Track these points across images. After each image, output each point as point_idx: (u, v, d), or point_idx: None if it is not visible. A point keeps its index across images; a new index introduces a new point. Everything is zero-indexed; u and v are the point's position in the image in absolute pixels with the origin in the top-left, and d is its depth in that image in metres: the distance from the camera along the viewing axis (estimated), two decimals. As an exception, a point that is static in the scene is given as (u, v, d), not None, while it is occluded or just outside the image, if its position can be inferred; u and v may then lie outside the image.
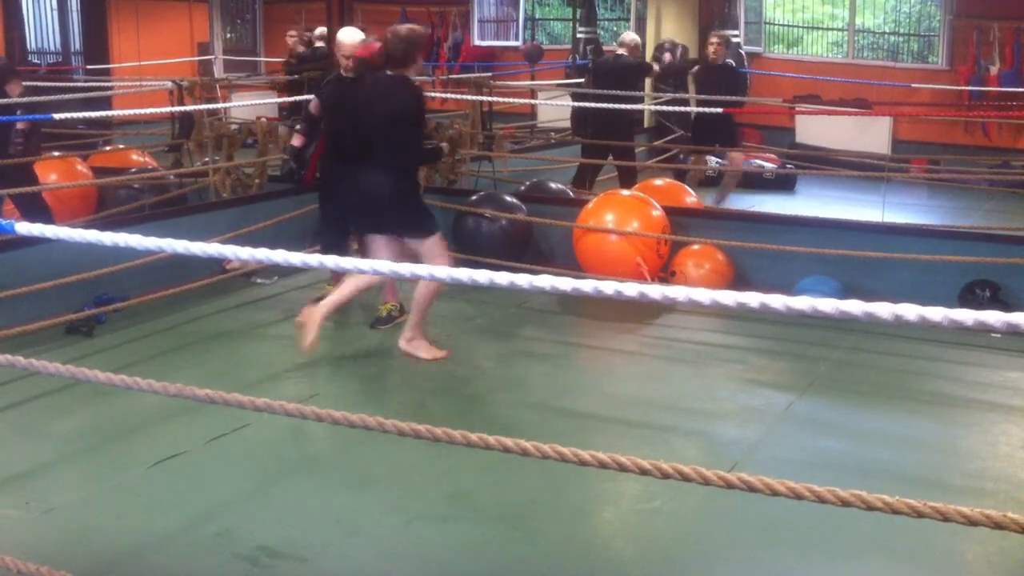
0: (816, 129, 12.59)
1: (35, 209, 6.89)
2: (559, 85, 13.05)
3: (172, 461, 4.17)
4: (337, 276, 6.35)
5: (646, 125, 13.20)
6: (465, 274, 2.30)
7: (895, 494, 2.07)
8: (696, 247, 7.06)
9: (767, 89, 13.87)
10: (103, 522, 3.67)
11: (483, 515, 3.79)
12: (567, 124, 12.14)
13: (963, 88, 12.53)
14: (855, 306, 1.94)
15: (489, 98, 9.16)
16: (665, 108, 11.46)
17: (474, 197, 7.53)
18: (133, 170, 8.82)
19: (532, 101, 13.08)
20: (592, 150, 9.59)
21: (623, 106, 8.85)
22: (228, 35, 16.69)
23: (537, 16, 18.06)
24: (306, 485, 4.01)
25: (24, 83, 7.42)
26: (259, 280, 6.93)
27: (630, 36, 9.76)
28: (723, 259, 6.98)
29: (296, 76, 11.14)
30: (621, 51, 9.55)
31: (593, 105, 9.25)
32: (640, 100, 9.22)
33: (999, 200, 10.11)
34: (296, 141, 6.23)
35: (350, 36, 6.08)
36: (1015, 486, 4.12)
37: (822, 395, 5.15)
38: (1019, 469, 4.28)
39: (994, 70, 12.78)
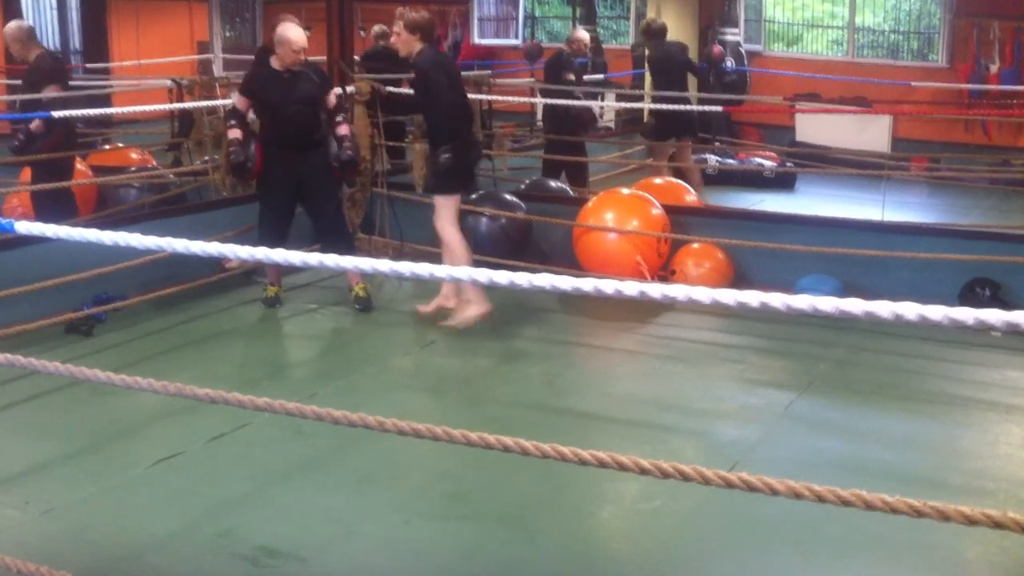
0: (816, 127, 12.57)
1: (58, 205, 6.90)
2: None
3: (172, 461, 4.17)
4: (276, 272, 6.48)
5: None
6: (465, 273, 2.30)
7: (895, 494, 2.07)
8: (696, 246, 7.05)
9: (767, 87, 13.86)
10: (103, 522, 3.67)
11: (483, 515, 3.79)
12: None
13: (963, 86, 12.52)
14: (855, 305, 1.94)
15: (489, 96, 9.16)
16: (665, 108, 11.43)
17: (474, 196, 7.52)
18: (133, 169, 8.81)
19: (532, 100, 13.06)
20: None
21: (549, 100, 9.33)
22: (228, 34, 16.68)
23: (537, 14, 18.05)
24: (306, 485, 4.01)
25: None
26: (259, 280, 6.92)
27: (574, 32, 9.92)
28: (723, 258, 6.97)
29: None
30: (565, 47, 9.72)
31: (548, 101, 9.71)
32: (568, 95, 9.36)
33: (999, 198, 10.10)
34: (235, 134, 6.18)
35: (298, 32, 6.14)
36: (1015, 486, 4.11)
37: (822, 395, 5.15)
38: (1019, 469, 4.28)
39: (994, 68, 12.76)
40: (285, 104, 6.12)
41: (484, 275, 2.29)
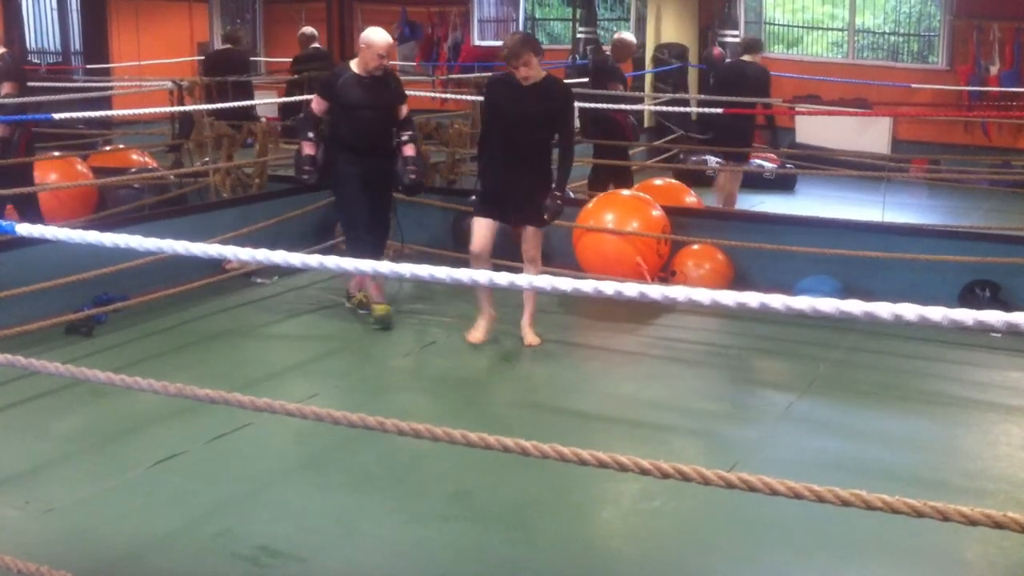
0: (816, 129, 12.57)
1: (27, 209, 6.90)
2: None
3: (172, 461, 4.17)
4: (362, 281, 6.28)
5: (646, 125, 13.19)
6: (465, 274, 2.30)
7: (895, 494, 2.07)
8: (696, 247, 7.06)
9: (767, 89, 13.84)
10: (103, 522, 3.67)
11: (483, 515, 3.79)
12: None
13: (963, 88, 12.53)
14: (855, 306, 1.94)
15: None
16: (666, 109, 11.46)
17: (474, 197, 7.50)
18: (133, 170, 8.82)
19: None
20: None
21: (597, 105, 8.90)
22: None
23: (537, 16, 18.05)
24: (306, 485, 4.01)
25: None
26: (259, 280, 6.93)
27: (618, 36, 9.64)
28: (723, 259, 6.97)
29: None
30: (607, 50, 9.58)
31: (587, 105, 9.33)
32: (618, 101, 9.14)
33: (999, 200, 10.10)
34: (309, 150, 6.04)
35: (383, 36, 6.03)
36: (1015, 486, 4.12)
37: (822, 395, 5.15)
38: (1019, 469, 4.28)
39: (994, 70, 12.77)
40: (363, 108, 5.97)
41: (484, 276, 2.29)
